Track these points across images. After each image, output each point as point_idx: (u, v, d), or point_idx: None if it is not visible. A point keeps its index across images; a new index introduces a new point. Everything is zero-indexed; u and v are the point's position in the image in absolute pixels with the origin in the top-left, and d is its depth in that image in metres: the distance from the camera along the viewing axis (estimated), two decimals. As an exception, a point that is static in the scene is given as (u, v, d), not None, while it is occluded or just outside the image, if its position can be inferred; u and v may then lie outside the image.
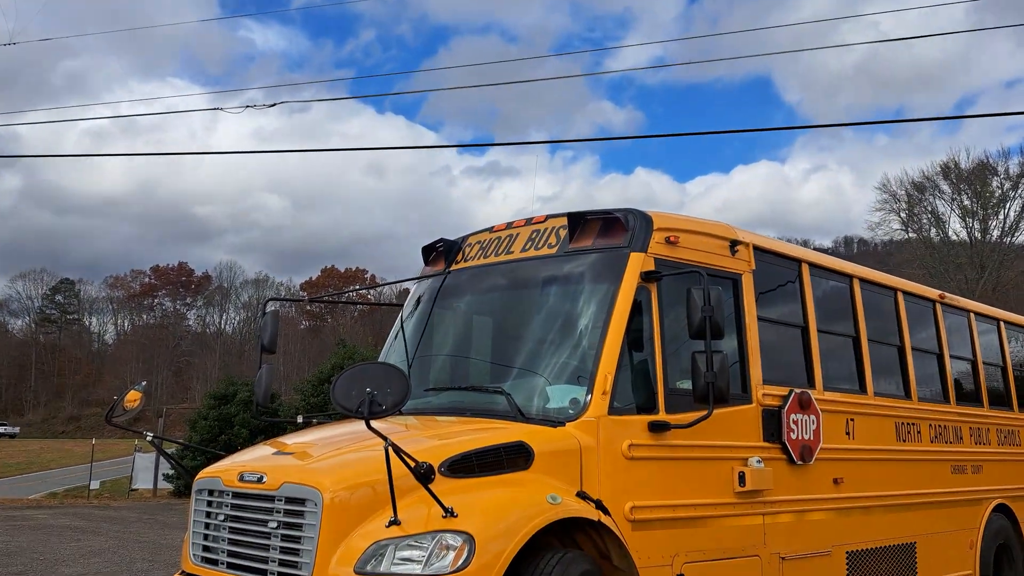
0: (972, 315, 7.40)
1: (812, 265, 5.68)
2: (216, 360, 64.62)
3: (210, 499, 4.00)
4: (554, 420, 4.10)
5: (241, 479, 3.82)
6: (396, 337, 5.41)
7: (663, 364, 4.38)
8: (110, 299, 75.92)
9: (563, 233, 4.76)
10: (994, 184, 35.55)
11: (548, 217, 4.98)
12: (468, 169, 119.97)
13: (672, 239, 4.62)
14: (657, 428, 4.23)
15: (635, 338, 4.38)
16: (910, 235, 38.63)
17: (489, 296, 5.09)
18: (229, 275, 75.59)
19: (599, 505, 3.88)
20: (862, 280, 6.12)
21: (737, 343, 4.87)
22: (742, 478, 4.58)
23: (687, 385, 4.32)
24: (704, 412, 4.12)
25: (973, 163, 36.62)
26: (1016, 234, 35.09)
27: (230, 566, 3.80)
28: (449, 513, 3.35)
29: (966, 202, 36.89)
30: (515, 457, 3.82)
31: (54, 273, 78.32)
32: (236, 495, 3.83)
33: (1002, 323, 7.77)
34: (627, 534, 3.99)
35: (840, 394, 5.55)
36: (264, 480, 3.70)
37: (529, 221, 5.06)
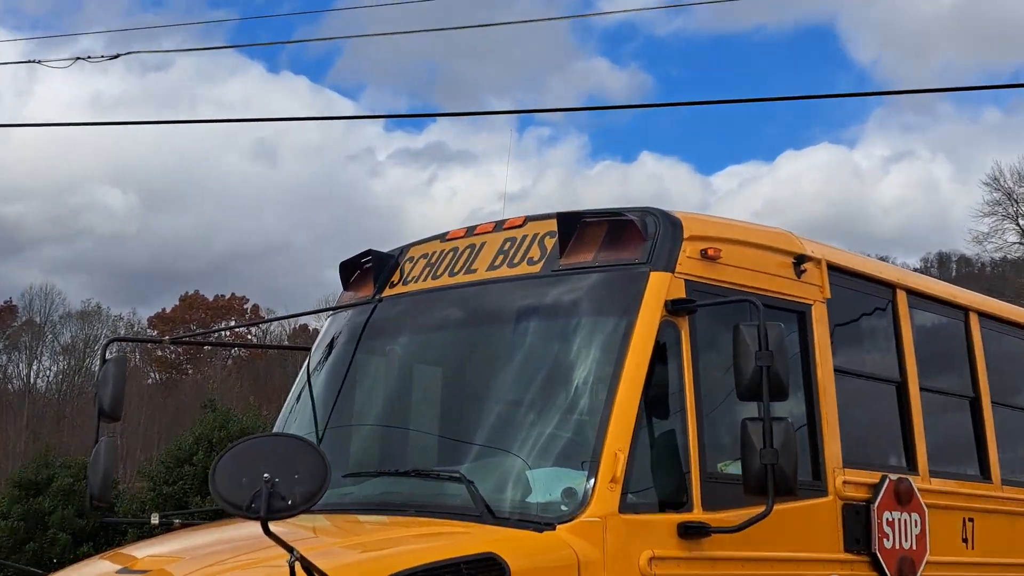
0: None
1: (912, 293, 5.67)
2: (22, 429, 60.31)
3: None
4: (538, 521, 4.00)
5: None
6: (300, 398, 5.33)
7: (699, 438, 4.30)
8: None
9: (550, 243, 4.72)
10: None
11: (528, 220, 4.92)
12: (400, 152, 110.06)
13: (711, 253, 4.59)
14: (691, 533, 4.13)
15: (657, 399, 4.32)
16: (1033, 251, 40.39)
17: (440, 336, 5.05)
18: (43, 306, 70.78)
19: None
20: (983, 315, 6.16)
21: (806, 406, 4.81)
22: None
23: (734, 469, 4.27)
24: (761, 509, 4.00)
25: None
26: None
27: None
28: None
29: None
30: None
31: None
32: None
33: None
34: None
35: (954, 482, 5.52)
36: None
37: (500, 226, 5.01)
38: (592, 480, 4.03)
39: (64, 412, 64.93)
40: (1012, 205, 40.02)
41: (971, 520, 5.52)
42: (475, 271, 4.93)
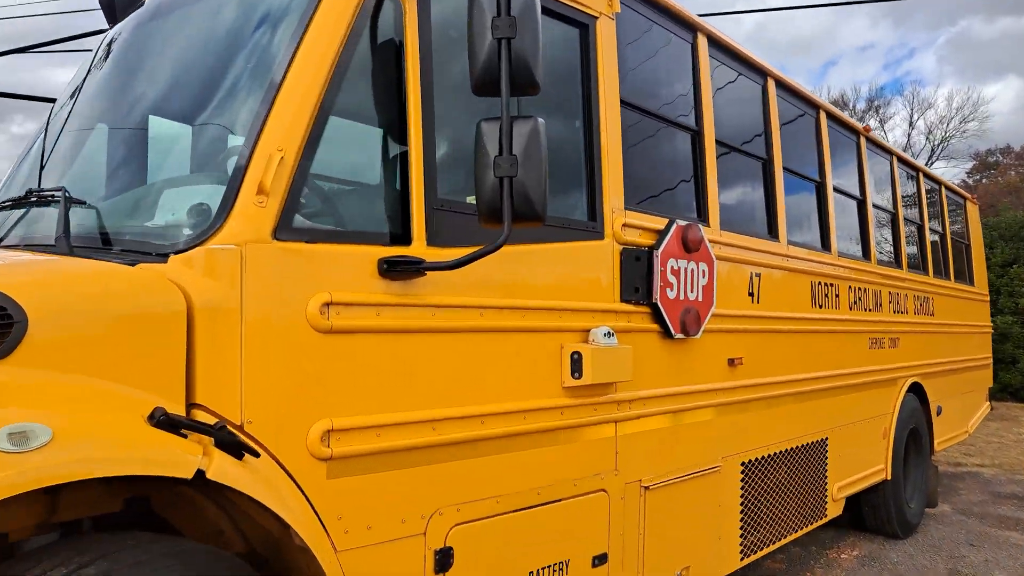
0: (895, 159, 5.03)
1: (714, 42, 3.04)
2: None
3: None
4: (144, 251, 1.61)
5: None
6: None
7: (425, 151, 1.82)
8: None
9: None
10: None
11: None
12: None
13: None
14: (397, 271, 1.73)
15: (363, 89, 1.82)
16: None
17: (124, 57, 2.29)
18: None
19: (232, 433, 1.45)
20: (779, 84, 3.55)
21: (584, 135, 2.32)
22: (577, 364, 2.15)
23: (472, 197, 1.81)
24: (494, 244, 1.66)
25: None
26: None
27: None
28: None
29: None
30: None
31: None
32: None
33: (921, 173, 5.60)
34: (317, 485, 1.60)
35: (744, 237, 3.06)
36: None
37: None
38: (231, 192, 1.57)
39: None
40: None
41: (758, 275, 3.11)
42: None
